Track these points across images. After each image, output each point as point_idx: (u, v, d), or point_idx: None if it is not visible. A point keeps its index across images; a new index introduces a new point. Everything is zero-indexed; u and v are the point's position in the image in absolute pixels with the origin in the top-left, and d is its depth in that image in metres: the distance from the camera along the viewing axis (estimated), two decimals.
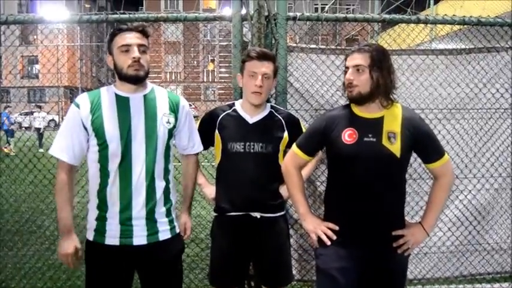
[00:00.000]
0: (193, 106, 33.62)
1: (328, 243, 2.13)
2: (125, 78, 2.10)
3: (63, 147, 2.10)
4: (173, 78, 37.67)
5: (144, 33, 2.12)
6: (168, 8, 40.77)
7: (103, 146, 2.07)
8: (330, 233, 2.14)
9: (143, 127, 2.10)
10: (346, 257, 2.09)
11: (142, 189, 2.10)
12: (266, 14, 2.97)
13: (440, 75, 3.23)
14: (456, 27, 3.44)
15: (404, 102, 3.13)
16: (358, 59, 2.08)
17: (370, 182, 2.06)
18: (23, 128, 18.64)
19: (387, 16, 3.24)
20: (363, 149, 2.06)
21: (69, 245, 2.11)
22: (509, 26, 3.28)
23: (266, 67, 2.41)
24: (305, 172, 2.51)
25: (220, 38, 32.42)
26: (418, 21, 3.28)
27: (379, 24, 4.17)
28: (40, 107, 18.48)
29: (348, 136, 2.09)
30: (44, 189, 4.86)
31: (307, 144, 2.25)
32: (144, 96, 2.16)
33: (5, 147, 13.83)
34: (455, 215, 3.29)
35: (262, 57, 2.42)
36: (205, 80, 39.49)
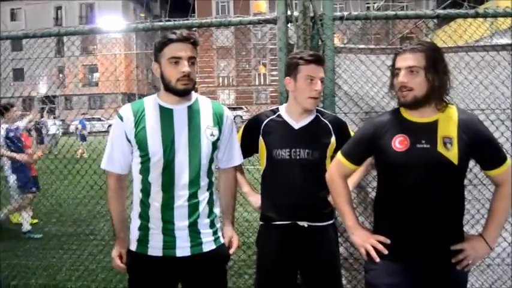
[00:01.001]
0: (245, 109, 34.00)
1: (378, 259, 1.99)
2: (172, 91, 2.05)
3: (109, 158, 2.15)
4: (226, 82, 38.25)
5: (194, 43, 2.06)
6: (220, 12, 41.47)
7: (145, 159, 2.06)
8: (380, 247, 1.99)
9: (186, 140, 2.06)
10: (398, 271, 1.94)
11: (185, 202, 2.06)
12: (311, 15, 2.88)
13: (502, 73, 3.00)
14: None
15: (462, 103, 2.93)
16: (411, 59, 1.91)
17: (424, 191, 1.90)
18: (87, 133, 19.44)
19: (442, 11, 3.05)
20: (415, 156, 1.90)
21: (115, 250, 2.19)
22: None
23: (322, 71, 2.37)
24: (354, 179, 2.39)
25: (271, 41, 32.48)
26: (476, 15, 3.06)
27: (435, 21, 3.95)
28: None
29: (399, 143, 1.94)
30: (95, 194, 5.03)
31: (353, 152, 2.12)
32: (188, 107, 2.11)
33: (79, 150, 14.60)
34: None
35: (318, 61, 2.36)
36: (257, 84, 39.76)
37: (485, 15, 3.07)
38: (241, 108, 34.62)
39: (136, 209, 2.14)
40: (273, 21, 3.00)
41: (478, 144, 1.92)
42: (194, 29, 3.11)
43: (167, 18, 3.04)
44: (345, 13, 2.97)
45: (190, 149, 2.06)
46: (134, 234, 2.13)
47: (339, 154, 2.17)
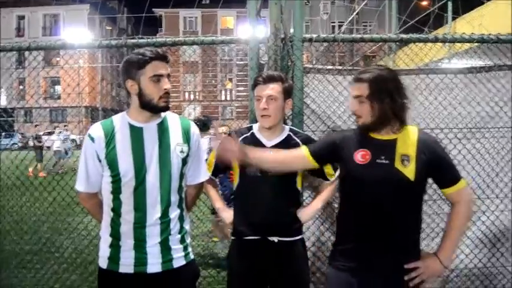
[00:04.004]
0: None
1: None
2: (153, 108, 2.07)
3: (87, 180, 2.14)
4: (192, 98, 38.18)
5: (168, 61, 2.12)
6: (187, 28, 41.53)
7: (116, 178, 2.06)
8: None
9: (157, 158, 2.08)
10: (355, 284, 2.01)
11: (157, 219, 2.08)
12: (282, 36, 2.99)
13: (460, 94, 3.20)
14: (475, 44, 3.41)
15: (423, 122, 3.10)
16: (357, 89, 2.03)
17: (380, 205, 1.99)
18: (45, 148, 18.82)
19: (405, 36, 3.24)
20: (374, 170, 2.00)
21: None
22: None
23: (271, 89, 2.39)
24: (324, 196, 2.50)
25: (238, 57, 32.72)
26: (436, 40, 3.26)
27: (397, 42, 4.19)
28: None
29: (361, 157, 2.04)
30: (61, 209, 4.89)
31: (318, 149, 2.20)
32: (158, 125, 2.13)
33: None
34: (477, 237, 3.20)
35: (267, 80, 2.40)
36: (223, 99, 39.86)
37: (443, 40, 3.27)
38: None
39: (106, 228, 2.13)
40: (245, 41, 3.10)
41: (434, 163, 2.02)
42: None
43: (140, 36, 3.08)
44: (314, 35, 3.10)
45: (161, 166, 2.08)
46: (105, 251, 2.12)
47: (304, 148, 2.23)
